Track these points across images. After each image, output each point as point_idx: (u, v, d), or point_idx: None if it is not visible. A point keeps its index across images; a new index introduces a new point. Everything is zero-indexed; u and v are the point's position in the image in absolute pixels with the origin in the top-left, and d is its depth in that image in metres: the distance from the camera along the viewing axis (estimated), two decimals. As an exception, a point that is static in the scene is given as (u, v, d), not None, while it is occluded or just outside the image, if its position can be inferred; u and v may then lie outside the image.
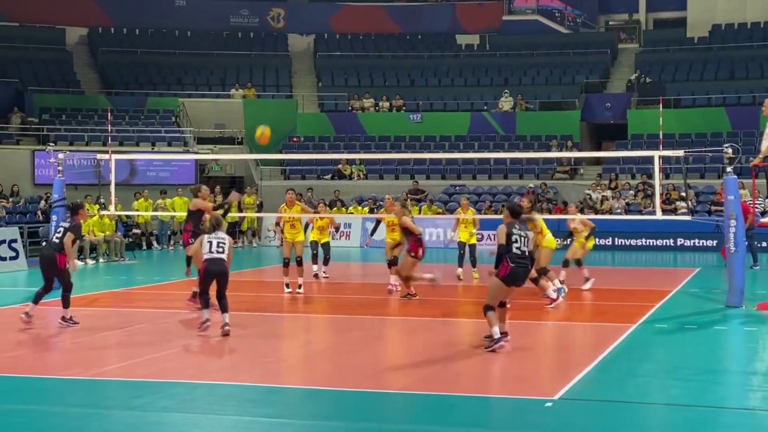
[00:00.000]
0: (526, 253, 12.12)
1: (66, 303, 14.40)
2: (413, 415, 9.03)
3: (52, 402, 9.64)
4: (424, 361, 11.68)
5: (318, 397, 9.72)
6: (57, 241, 14.39)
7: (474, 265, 20.82)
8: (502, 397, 9.71)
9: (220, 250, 13.36)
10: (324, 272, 20.92)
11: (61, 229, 14.46)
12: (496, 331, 11.99)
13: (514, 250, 11.96)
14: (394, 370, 11.07)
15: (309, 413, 9.13)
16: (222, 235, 13.54)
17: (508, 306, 12.77)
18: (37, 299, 14.52)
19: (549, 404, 9.17)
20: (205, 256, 13.38)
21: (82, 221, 15.08)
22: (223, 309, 13.32)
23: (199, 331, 13.34)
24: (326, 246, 20.99)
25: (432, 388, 10.12)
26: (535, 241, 15.56)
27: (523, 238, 12.09)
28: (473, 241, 21.17)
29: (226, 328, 13.19)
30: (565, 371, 10.66)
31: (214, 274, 13.33)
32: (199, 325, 13.48)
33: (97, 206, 26.42)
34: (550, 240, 16.93)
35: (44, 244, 14.44)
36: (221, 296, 13.37)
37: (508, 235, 11.98)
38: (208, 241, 13.44)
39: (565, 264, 18.48)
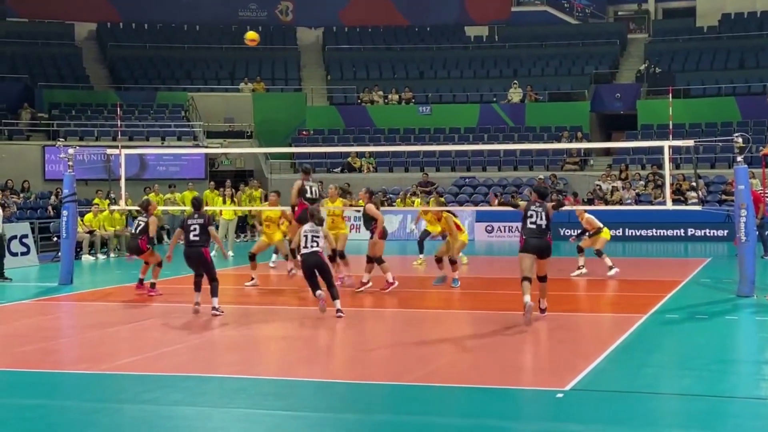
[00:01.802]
0: (542, 227, 13.50)
1: (215, 293, 14.67)
2: (424, 407, 9.03)
3: (63, 396, 9.68)
4: (435, 353, 11.68)
5: (329, 390, 9.73)
6: (197, 239, 14.82)
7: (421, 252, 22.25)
8: (512, 388, 9.71)
9: (315, 244, 14.06)
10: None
11: (197, 227, 14.86)
12: (525, 300, 13.19)
13: (529, 224, 13.53)
14: (405, 363, 11.07)
15: (320, 406, 9.14)
16: (318, 228, 14.23)
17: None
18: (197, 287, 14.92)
19: (560, 395, 9.16)
20: (302, 250, 14.20)
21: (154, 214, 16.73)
22: (333, 296, 14.12)
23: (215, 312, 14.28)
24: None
25: (443, 380, 10.12)
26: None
27: (539, 214, 13.53)
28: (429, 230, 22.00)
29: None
30: (576, 362, 10.65)
31: (311, 266, 14.06)
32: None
33: (108, 201, 26.48)
34: (465, 235, 18.40)
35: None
36: (329, 284, 14.18)
37: (526, 210, 13.64)
38: (304, 235, 14.15)
39: (579, 250, 19.62)
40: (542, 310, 13.73)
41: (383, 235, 17.24)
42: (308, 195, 17.31)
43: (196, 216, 14.93)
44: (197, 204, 15.27)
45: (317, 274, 14.13)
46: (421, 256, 22.26)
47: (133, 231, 17.72)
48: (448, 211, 18.55)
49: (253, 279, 18.40)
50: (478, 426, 8.32)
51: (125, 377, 10.38)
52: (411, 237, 27.99)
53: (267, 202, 19.29)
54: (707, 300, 16.17)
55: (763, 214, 21.25)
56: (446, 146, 35.08)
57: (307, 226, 14.25)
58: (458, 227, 18.23)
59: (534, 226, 13.51)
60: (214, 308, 14.42)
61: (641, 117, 37.30)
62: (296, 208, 17.22)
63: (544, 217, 13.54)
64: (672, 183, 28.13)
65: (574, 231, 29.85)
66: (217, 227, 23.32)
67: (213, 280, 14.65)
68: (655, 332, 13.00)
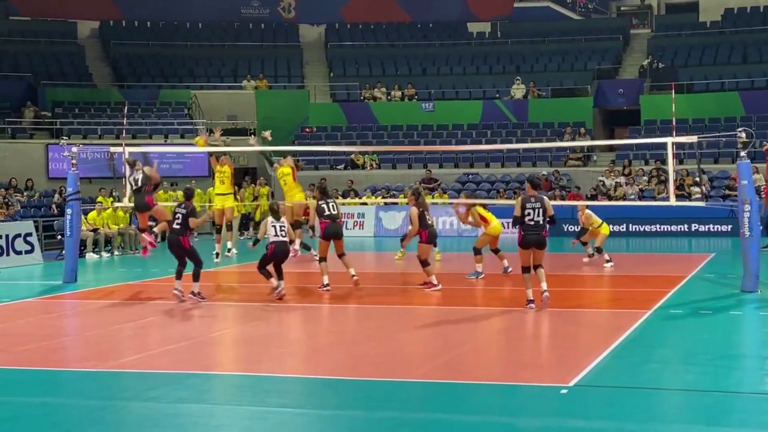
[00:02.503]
0: (540, 222, 14.05)
1: (196, 277, 15.82)
2: (428, 404, 9.04)
3: (68, 394, 9.69)
4: (439, 349, 11.69)
5: (333, 387, 9.74)
6: (178, 227, 15.92)
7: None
8: (517, 384, 9.71)
9: (283, 234, 15.86)
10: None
11: (180, 216, 15.90)
12: (528, 294, 14.19)
13: (527, 221, 14.00)
14: (409, 359, 11.08)
15: (325, 403, 9.15)
16: (283, 220, 16.05)
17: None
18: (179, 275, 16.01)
19: (564, 391, 9.17)
20: (272, 239, 15.79)
21: (196, 206, 16.84)
22: (280, 276, 15.99)
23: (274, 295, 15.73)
24: None
25: (447, 376, 10.13)
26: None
27: (537, 210, 14.03)
28: None
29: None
30: (580, 358, 10.66)
31: (280, 253, 15.86)
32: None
33: (111, 199, 26.50)
34: (495, 226, 18.70)
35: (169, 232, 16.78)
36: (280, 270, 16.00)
37: (523, 207, 14.05)
38: (272, 225, 15.79)
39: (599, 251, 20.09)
40: (543, 293, 14.14)
41: (429, 239, 16.95)
42: (326, 213, 17.15)
43: (182, 206, 16.08)
44: (188, 194, 16.38)
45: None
46: (435, 249, 22.18)
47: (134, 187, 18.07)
48: (480, 205, 19.00)
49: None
50: (482, 422, 8.33)
51: (130, 375, 10.40)
52: (463, 235, 27.92)
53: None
54: (711, 295, 16.16)
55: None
56: (449, 144, 35.05)
57: (273, 220, 15.81)
58: (484, 219, 18.62)
59: (532, 223, 14.05)
60: (192, 292, 15.56)
61: (644, 112, 37.26)
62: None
63: (541, 214, 14.07)
64: (675, 178, 28.07)
65: (578, 227, 29.92)
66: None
67: (196, 265, 15.81)
68: (659, 328, 12.99)
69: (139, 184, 17.62)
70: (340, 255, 17.29)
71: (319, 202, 17.25)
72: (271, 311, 15.05)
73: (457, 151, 35.77)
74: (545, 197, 14.58)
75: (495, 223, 18.68)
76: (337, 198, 30.04)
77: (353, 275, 17.17)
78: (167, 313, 14.96)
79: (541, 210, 14.10)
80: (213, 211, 22.18)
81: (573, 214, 29.93)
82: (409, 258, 19.05)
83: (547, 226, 14.33)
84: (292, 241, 18.05)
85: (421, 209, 16.90)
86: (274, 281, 15.85)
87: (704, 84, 37.86)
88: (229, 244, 21.72)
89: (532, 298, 14.21)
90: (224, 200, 21.61)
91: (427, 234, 16.70)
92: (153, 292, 17.78)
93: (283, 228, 15.91)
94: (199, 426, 8.47)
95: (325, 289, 16.76)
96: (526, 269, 14.31)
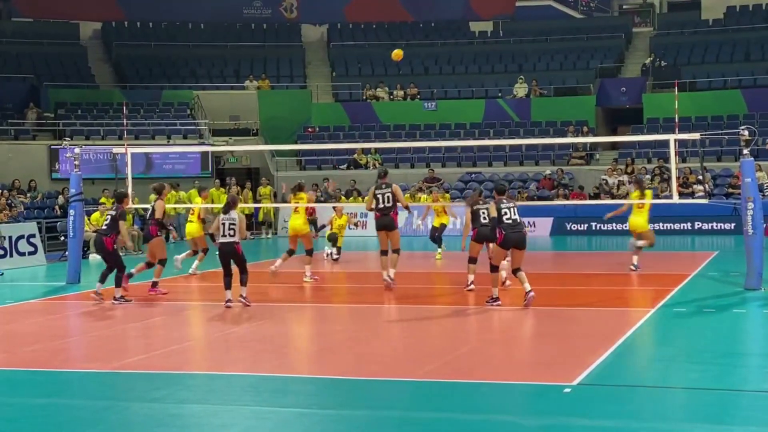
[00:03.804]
0: (518, 220, 14.42)
1: (118, 283, 15.78)
2: (432, 403, 9.03)
3: (72, 395, 9.69)
4: (443, 348, 11.69)
5: (337, 387, 9.74)
6: (105, 228, 15.85)
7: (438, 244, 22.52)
8: (521, 383, 9.70)
9: (231, 233, 14.60)
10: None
11: (109, 217, 15.91)
12: (495, 291, 14.57)
13: (505, 220, 14.33)
14: (413, 359, 11.07)
15: (329, 403, 9.15)
16: (234, 215, 14.69)
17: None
18: (102, 278, 15.97)
19: (568, 390, 9.16)
20: (220, 239, 14.72)
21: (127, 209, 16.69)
22: (242, 282, 14.85)
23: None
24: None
25: (450, 375, 10.13)
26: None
27: (512, 209, 14.42)
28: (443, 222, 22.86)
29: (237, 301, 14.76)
30: (584, 356, 10.65)
31: (226, 254, 14.72)
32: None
33: (112, 200, 26.50)
34: None
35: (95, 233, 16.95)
36: (242, 270, 14.85)
37: (498, 210, 14.43)
38: (222, 223, 14.65)
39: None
40: (527, 293, 14.26)
41: (476, 236, 16.20)
42: (380, 205, 16.61)
43: (114, 207, 16.16)
44: (118, 197, 16.29)
45: (232, 263, 14.85)
46: (439, 249, 22.37)
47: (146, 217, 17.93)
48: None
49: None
50: (486, 421, 8.33)
51: (133, 376, 10.40)
52: (418, 233, 28.08)
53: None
54: (715, 293, 16.14)
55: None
56: (452, 142, 35.07)
57: (225, 215, 14.75)
58: None
59: (511, 221, 14.36)
60: (115, 297, 15.65)
61: (647, 111, 37.24)
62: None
63: (516, 213, 14.44)
64: (678, 176, 28.11)
65: (581, 225, 29.90)
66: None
67: (117, 270, 15.74)
68: (662, 326, 12.99)
69: (149, 215, 17.35)
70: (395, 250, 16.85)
71: (376, 191, 16.68)
72: (273, 311, 15.04)
73: (459, 148, 35.76)
74: (514, 200, 15.11)
75: None
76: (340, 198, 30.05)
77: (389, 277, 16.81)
78: (170, 313, 14.97)
79: (515, 209, 14.48)
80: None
81: (576, 213, 30.03)
82: (426, 257, 19.03)
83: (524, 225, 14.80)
84: (245, 237, 15.86)
85: (475, 207, 15.82)
86: (228, 294, 14.82)
87: (707, 82, 37.84)
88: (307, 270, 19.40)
89: (497, 296, 14.59)
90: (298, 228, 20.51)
91: (476, 232, 15.77)
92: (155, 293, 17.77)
93: (233, 225, 14.72)
94: (202, 426, 8.47)
95: (389, 283, 16.60)
96: (494, 268, 14.64)
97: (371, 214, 27.78)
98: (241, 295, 14.86)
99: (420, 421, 8.41)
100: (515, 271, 14.51)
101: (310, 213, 31.74)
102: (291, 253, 18.70)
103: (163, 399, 9.24)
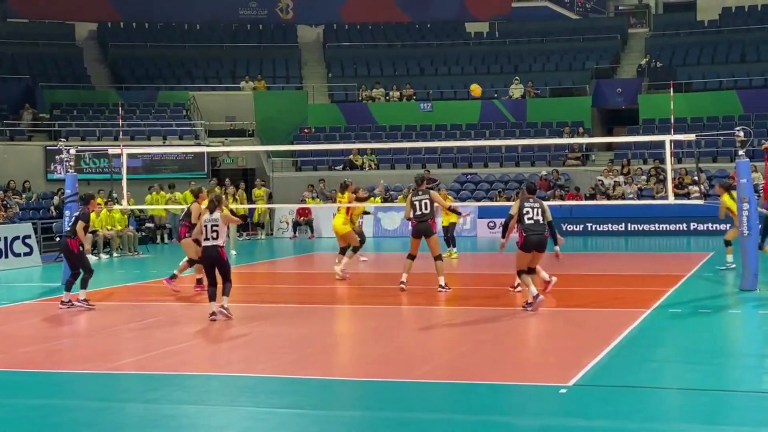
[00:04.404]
0: (540, 222, 13.84)
1: (84, 284, 15.39)
2: (428, 404, 9.04)
3: (67, 396, 9.68)
4: (439, 349, 11.70)
5: (335, 388, 9.74)
6: (69, 229, 15.65)
7: (451, 244, 22.43)
8: (516, 384, 9.71)
9: (214, 235, 13.69)
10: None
11: (74, 219, 15.65)
12: (532, 290, 13.76)
13: (527, 221, 13.81)
14: (409, 360, 11.07)
15: (326, 403, 9.15)
16: (216, 216, 13.76)
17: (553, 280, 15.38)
18: (68, 286, 15.60)
19: (563, 390, 9.17)
20: (203, 242, 13.85)
21: (93, 211, 16.41)
22: (224, 292, 13.81)
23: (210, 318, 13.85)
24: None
25: (446, 376, 10.14)
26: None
27: (535, 209, 13.88)
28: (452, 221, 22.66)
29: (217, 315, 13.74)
30: (579, 357, 10.65)
31: (209, 259, 13.82)
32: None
33: (105, 200, 26.44)
34: None
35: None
36: (225, 279, 13.83)
37: (520, 209, 13.88)
38: (204, 225, 13.81)
39: None
40: (547, 281, 14.50)
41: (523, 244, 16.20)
42: (418, 212, 16.26)
43: (79, 209, 16.04)
44: (84, 199, 15.93)
45: (215, 268, 13.90)
46: (452, 249, 22.37)
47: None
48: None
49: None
50: (482, 422, 8.33)
51: (129, 377, 10.40)
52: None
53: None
54: (710, 294, 16.17)
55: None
56: (448, 143, 35.09)
57: (208, 216, 13.83)
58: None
59: (532, 222, 13.86)
60: (79, 299, 15.22)
61: (643, 111, 37.27)
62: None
63: (540, 214, 13.92)
64: (674, 177, 28.12)
65: (577, 226, 29.91)
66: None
67: (84, 272, 15.38)
68: (658, 327, 13.00)
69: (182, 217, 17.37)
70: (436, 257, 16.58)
71: (413, 199, 16.42)
72: (269, 313, 15.04)
73: (455, 149, 35.78)
74: (544, 203, 14.43)
75: None
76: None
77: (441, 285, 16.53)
78: (166, 314, 14.96)
79: (539, 210, 13.97)
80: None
81: (572, 214, 30.02)
82: (423, 257, 18.94)
83: (547, 227, 14.11)
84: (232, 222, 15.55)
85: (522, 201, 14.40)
86: (214, 306, 13.92)
87: (702, 83, 37.87)
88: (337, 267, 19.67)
89: (537, 292, 13.89)
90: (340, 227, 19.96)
91: (524, 240, 14.10)
92: (152, 294, 17.79)
93: (214, 227, 13.75)
94: (198, 427, 8.47)
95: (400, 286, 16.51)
96: (523, 272, 14.07)
97: (368, 215, 27.41)
98: (222, 306, 13.83)
99: (416, 421, 8.41)
100: (530, 271, 14.06)
101: (304, 214, 31.77)
102: (343, 251, 19.05)
103: (158, 400, 9.24)
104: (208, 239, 13.74)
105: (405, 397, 9.30)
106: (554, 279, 15.65)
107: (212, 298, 13.90)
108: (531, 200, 14.05)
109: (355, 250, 19.05)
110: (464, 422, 8.32)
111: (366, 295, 16.86)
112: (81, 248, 15.48)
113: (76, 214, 15.78)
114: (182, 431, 8.38)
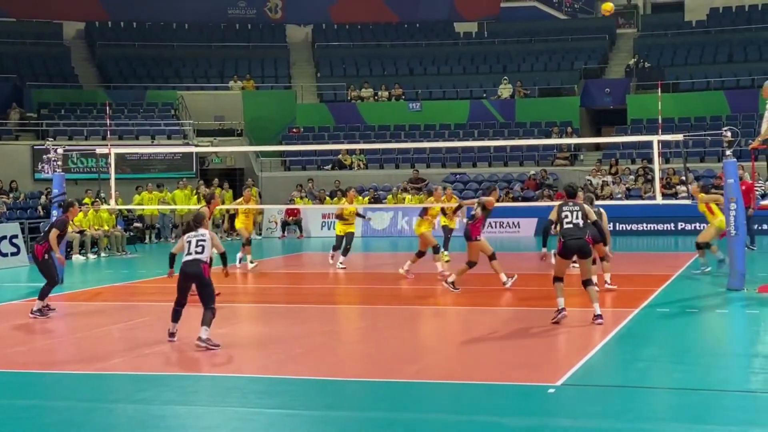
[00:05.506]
0: (581, 225, 12.99)
1: (42, 294, 14.55)
2: (417, 404, 9.05)
3: (56, 397, 9.66)
4: (428, 349, 11.71)
5: (324, 388, 9.74)
6: (42, 234, 15.13)
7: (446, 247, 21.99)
8: (505, 383, 9.73)
9: (199, 250, 11.91)
10: (341, 262, 20.90)
11: (49, 225, 15.22)
12: (560, 302, 12.96)
13: (566, 225, 13.00)
14: (398, 360, 11.08)
15: (315, 404, 9.14)
16: (203, 231, 12.10)
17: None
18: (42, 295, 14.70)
19: (552, 390, 9.19)
20: (185, 257, 11.98)
21: (71, 220, 15.80)
22: (204, 320, 11.79)
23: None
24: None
25: (435, 376, 10.15)
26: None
27: (575, 213, 13.04)
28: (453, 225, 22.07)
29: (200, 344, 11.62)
30: (568, 357, 10.69)
31: (189, 276, 11.96)
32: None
33: (93, 200, 26.35)
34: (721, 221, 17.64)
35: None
36: (206, 303, 11.86)
37: (559, 213, 13.12)
38: (188, 241, 12.01)
39: None
40: (597, 317, 12.76)
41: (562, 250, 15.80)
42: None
43: (56, 216, 15.79)
44: (65, 205, 15.34)
45: (194, 287, 12.16)
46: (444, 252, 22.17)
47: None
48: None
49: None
50: (470, 422, 8.34)
51: (117, 377, 10.38)
52: (403, 234, 28.09)
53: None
54: (698, 294, 16.22)
55: (752, 206, 21.26)
56: (437, 143, 35.11)
57: (192, 233, 12.14)
58: (711, 211, 18.58)
59: (571, 226, 12.98)
60: (45, 307, 14.49)
61: (631, 112, 37.37)
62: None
63: (580, 216, 13.06)
64: (662, 177, 28.19)
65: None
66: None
67: (47, 282, 14.61)
68: (646, 326, 13.03)
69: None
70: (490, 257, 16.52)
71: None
72: (259, 312, 15.03)
73: (444, 149, 35.80)
74: (585, 205, 13.55)
75: (721, 217, 17.64)
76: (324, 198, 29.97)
77: (504, 281, 16.58)
78: (155, 314, 14.92)
79: (580, 213, 13.08)
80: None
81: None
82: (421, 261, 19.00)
83: (588, 231, 13.38)
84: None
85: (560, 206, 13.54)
86: (172, 326, 12.20)
87: (690, 83, 37.97)
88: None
89: (563, 307, 13.00)
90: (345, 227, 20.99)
91: (562, 245, 13.20)
92: (140, 294, 17.76)
93: (200, 242, 11.92)
94: (188, 428, 8.46)
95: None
96: (558, 279, 13.13)
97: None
98: (200, 337, 11.61)
99: (406, 421, 8.42)
100: (585, 284, 13.12)
101: (293, 214, 31.78)
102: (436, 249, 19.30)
103: (148, 400, 9.22)
104: (190, 253, 11.88)
105: (393, 398, 9.30)
106: (512, 281, 16.32)
107: (175, 318, 12.17)
108: (570, 204, 13.24)
109: (420, 255, 19.12)
110: (453, 422, 8.33)
111: (355, 295, 16.86)
112: (47, 256, 14.61)
113: (52, 221, 15.34)
114: (171, 432, 8.38)
